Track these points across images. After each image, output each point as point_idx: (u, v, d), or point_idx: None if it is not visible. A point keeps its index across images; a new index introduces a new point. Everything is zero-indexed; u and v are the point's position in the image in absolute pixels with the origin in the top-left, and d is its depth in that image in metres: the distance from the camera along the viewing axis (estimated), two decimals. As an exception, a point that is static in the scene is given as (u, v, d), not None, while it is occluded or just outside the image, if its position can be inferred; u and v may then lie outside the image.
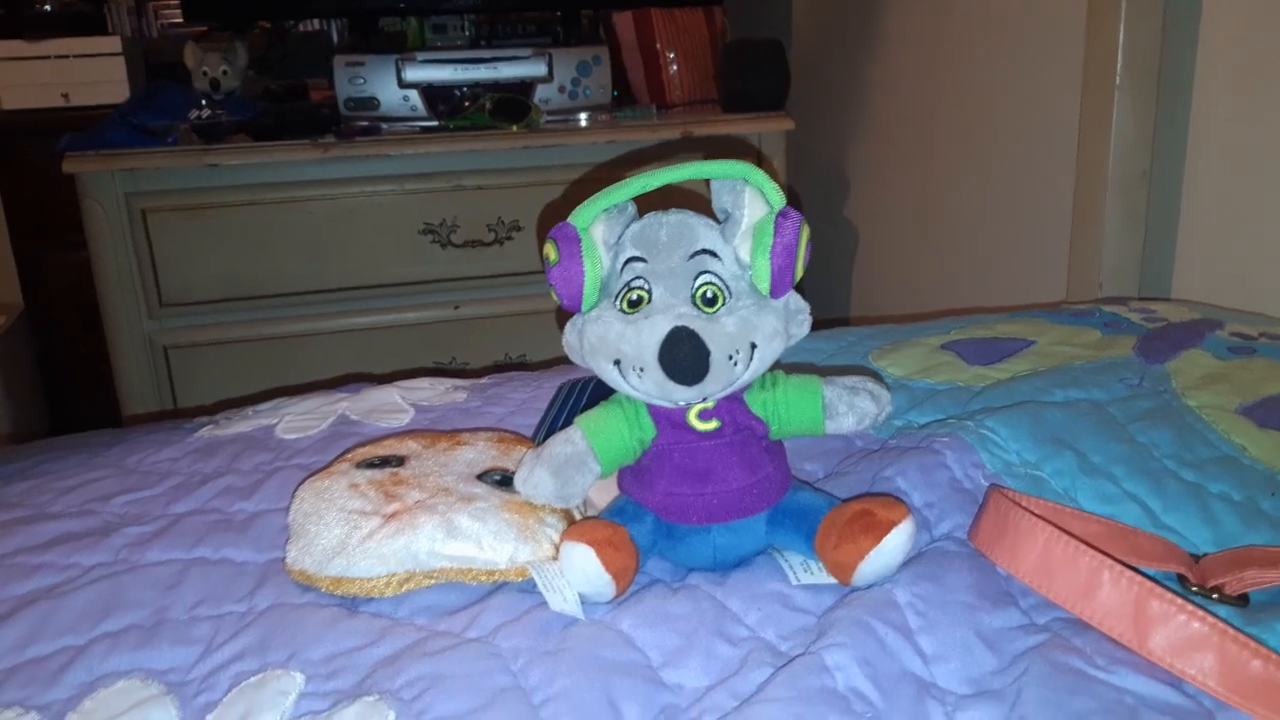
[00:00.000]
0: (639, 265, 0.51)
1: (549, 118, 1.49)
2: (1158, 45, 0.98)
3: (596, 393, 0.68)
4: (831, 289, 1.82)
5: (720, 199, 0.52)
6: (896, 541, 0.49)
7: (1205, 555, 0.54)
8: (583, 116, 1.51)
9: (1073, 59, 1.07)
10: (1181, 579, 0.51)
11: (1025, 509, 0.50)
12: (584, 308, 0.52)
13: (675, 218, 0.52)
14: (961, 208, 1.40)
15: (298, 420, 0.73)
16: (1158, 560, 0.52)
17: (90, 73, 1.78)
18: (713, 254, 0.51)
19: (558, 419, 0.67)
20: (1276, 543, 0.56)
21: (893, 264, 1.62)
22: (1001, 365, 0.79)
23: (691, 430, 0.52)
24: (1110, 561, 0.46)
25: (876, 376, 0.62)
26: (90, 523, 0.59)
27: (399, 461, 0.57)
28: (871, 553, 0.49)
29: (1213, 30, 0.95)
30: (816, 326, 0.60)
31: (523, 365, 1.50)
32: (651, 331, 0.49)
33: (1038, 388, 0.72)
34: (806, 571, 0.52)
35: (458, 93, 1.47)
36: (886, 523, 0.49)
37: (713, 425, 0.52)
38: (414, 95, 1.47)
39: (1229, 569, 0.51)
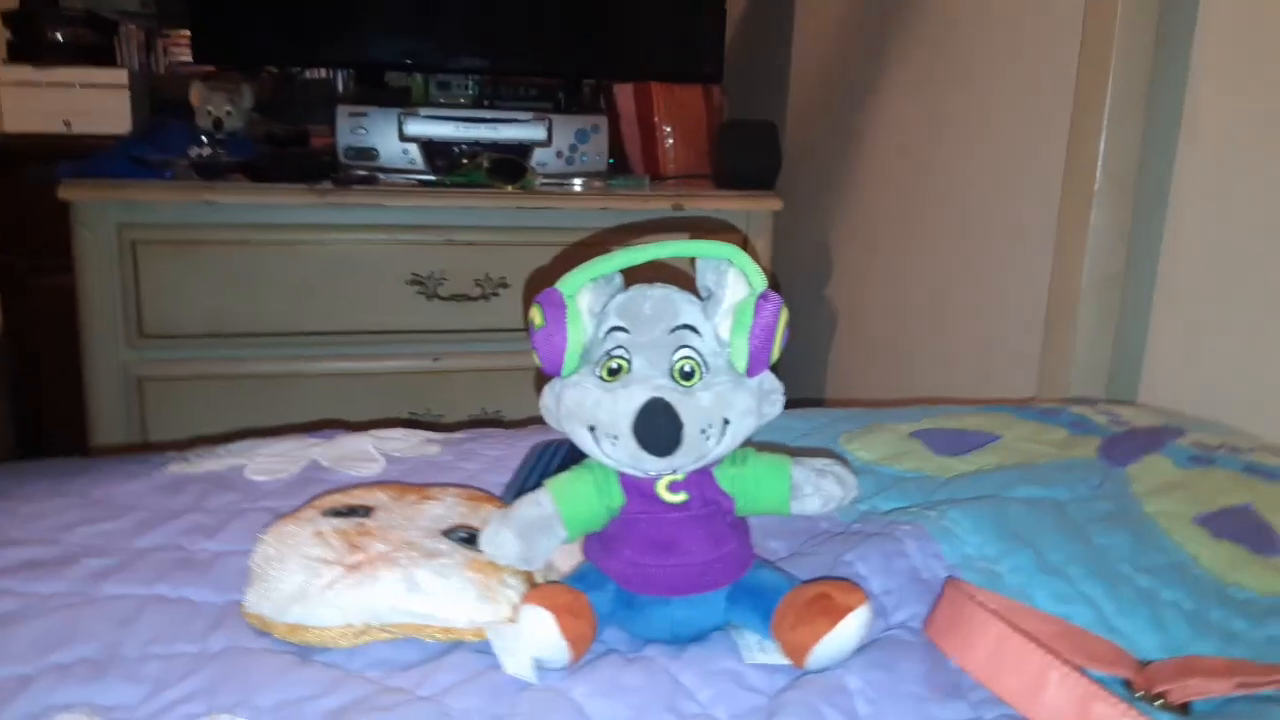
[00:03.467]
0: (621, 335, 0.52)
1: (544, 181, 1.52)
2: (1137, 154, 1.02)
3: (569, 457, 0.68)
4: (809, 368, 1.84)
5: (704, 277, 0.54)
6: (852, 627, 0.50)
7: (1152, 661, 0.55)
8: (577, 182, 1.54)
9: (1054, 162, 1.11)
10: (1127, 683, 0.52)
11: (980, 604, 0.51)
12: (564, 372, 0.53)
13: (660, 292, 0.54)
14: (940, 299, 1.43)
15: (268, 462, 0.73)
16: (1106, 663, 0.53)
17: (94, 103, 1.79)
18: (693, 329, 0.52)
19: (528, 480, 0.67)
20: (1223, 653, 0.57)
21: (870, 347, 1.65)
22: (968, 457, 0.80)
23: (660, 501, 0.53)
24: (1058, 662, 0.47)
25: (844, 461, 0.63)
26: (52, 551, 0.59)
27: (366, 512, 0.57)
28: (826, 636, 0.49)
29: (1191, 142, 0.99)
30: (792, 405, 0.61)
31: (497, 421, 1.51)
32: (628, 401, 0.50)
33: (1002, 482, 0.73)
34: (762, 650, 0.52)
35: (457, 149, 1.50)
36: (843, 607, 0.50)
37: (681, 497, 0.53)
38: (413, 149, 1.49)
39: (1174, 677, 0.52)
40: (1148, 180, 1.03)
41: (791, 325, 0.54)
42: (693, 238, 0.54)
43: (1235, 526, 0.69)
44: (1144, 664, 0.55)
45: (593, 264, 0.54)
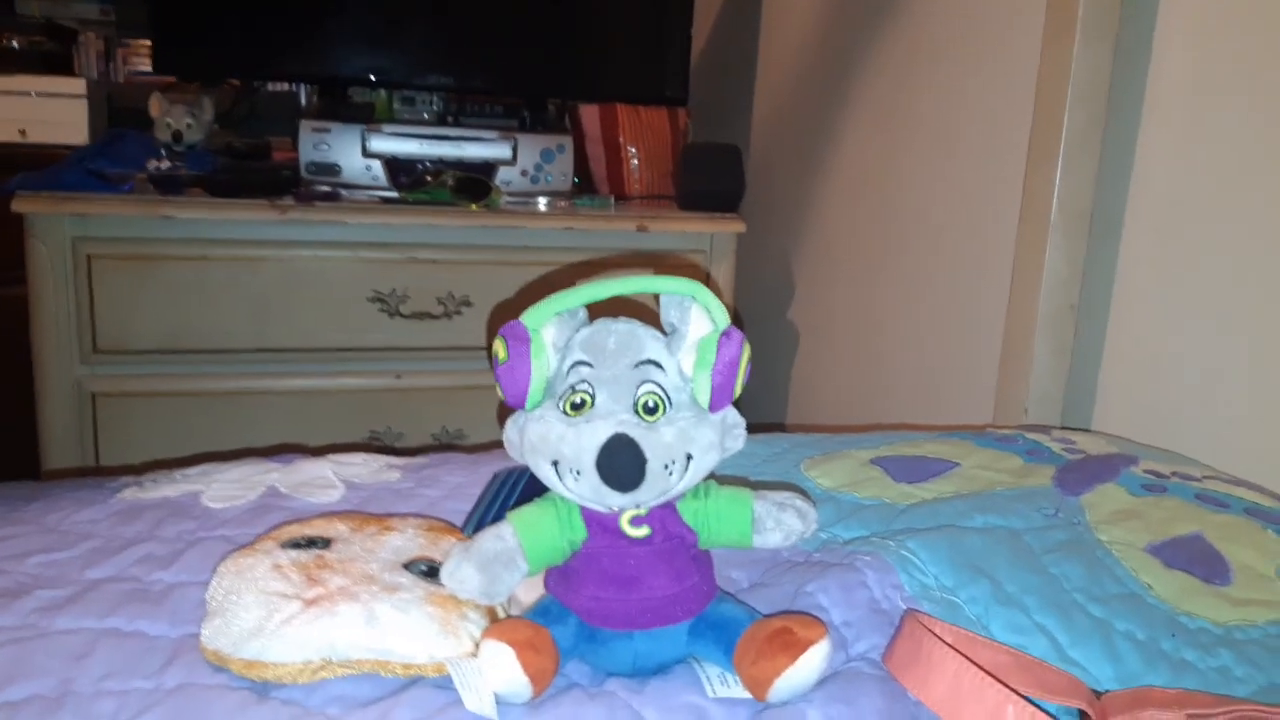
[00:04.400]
0: (585, 369, 0.53)
1: (509, 199, 1.52)
2: (1091, 189, 1.04)
3: (530, 484, 0.68)
4: (772, 391, 1.85)
5: (668, 313, 0.54)
6: (812, 661, 0.50)
7: (1106, 692, 0.56)
8: (542, 201, 1.54)
9: (1012, 195, 1.13)
10: (1083, 715, 0.53)
11: (938, 637, 0.52)
12: (528, 406, 0.53)
13: (624, 326, 0.54)
14: (899, 325, 1.44)
15: (225, 489, 0.72)
16: (1062, 694, 0.54)
17: (51, 112, 1.77)
18: (657, 364, 0.53)
19: (489, 510, 0.67)
20: (1175, 683, 0.58)
21: (831, 371, 1.66)
22: (927, 484, 0.81)
23: (622, 535, 0.53)
24: (1015, 696, 0.48)
25: (804, 493, 0.63)
26: (2, 582, 0.58)
27: (325, 543, 0.57)
28: (787, 670, 0.50)
29: (1143, 177, 1.01)
30: (754, 429, 0.62)
31: (459, 440, 1.50)
32: (592, 435, 0.50)
33: (959, 511, 0.74)
34: (724, 684, 0.52)
35: (420, 166, 1.50)
36: (804, 641, 0.50)
37: (644, 531, 0.53)
38: (377, 165, 1.49)
39: (1128, 707, 0.53)
40: (1102, 214, 1.05)
41: (753, 360, 0.55)
42: (657, 273, 0.54)
43: (1186, 556, 0.70)
44: (1099, 694, 0.56)
45: (557, 297, 0.54)
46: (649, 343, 0.53)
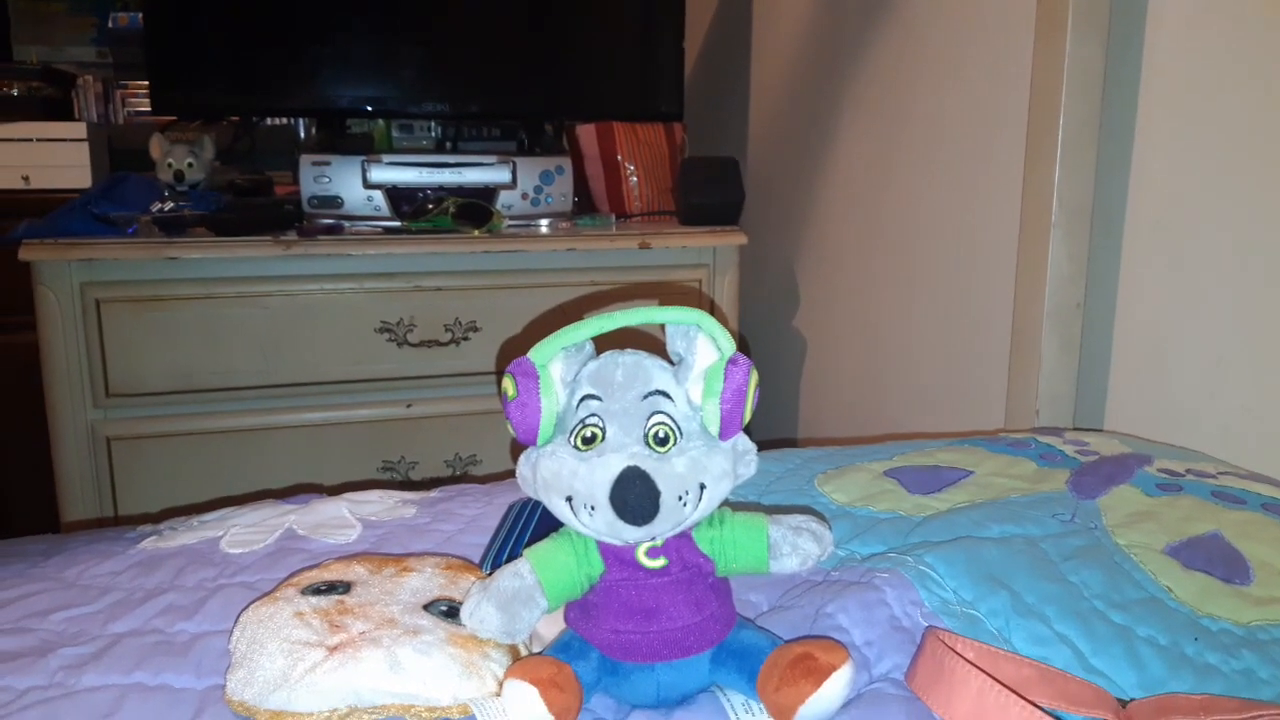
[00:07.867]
0: (594, 403, 0.53)
1: (511, 223, 1.53)
2: (1091, 185, 1.04)
3: (546, 515, 0.68)
4: (782, 402, 1.85)
5: (674, 343, 0.55)
6: (836, 686, 0.50)
7: (1132, 700, 0.56)
8: (544, 223, 1.55)
9: (1012, 195, 1.13)
10: (1109, 726, 0.53)
11: (959, 655, 0.52)
12: (539, 442, 0.54)
13: (631, 359, 0.54)
14: (907, 332, 1.44)
15: (243, 533, 0.72)
16: (1086, 706, 0.54)
17: (53, 157, 1.78)
18: (666, 395, 0.53)
19: (506, 542, 0.67)
20: (1199, 689, 0.58)
21: (840, 380, 1.66)
22: (942, 495, 0.81)
23: (639, 567, 0.53)
24: (1039, 712, 0.48)
25: (820, 515, 0.63)
26: (27, 641, 0.58)
27: (345, 588, 0.57)
28: (811, 697, 0.50)
29: (1141, 171, 1.01)
30: (765, 445, 0.62)
31: (473, 465, 1.50)
32: (604, 470, 0.50)
33: (975, 521, 0.74)
34: (748, 712, 0.53)
35: (422, 195, 1.50)
36: (827, 667, 0.50)
37: (660, 562, 0.53)
38: (378, 196, 1.50)
39: (1154, 716, 0.53)
40: (1102, 210, 1.05)
41: (761, 372, 0.55)
42: (662, 304, 0.55)
43: (1205, 556, 0.70)
44: (1124, 704, 0.55)
45: (563, 332, 0.54)
46: (656, 373, 0.54)
